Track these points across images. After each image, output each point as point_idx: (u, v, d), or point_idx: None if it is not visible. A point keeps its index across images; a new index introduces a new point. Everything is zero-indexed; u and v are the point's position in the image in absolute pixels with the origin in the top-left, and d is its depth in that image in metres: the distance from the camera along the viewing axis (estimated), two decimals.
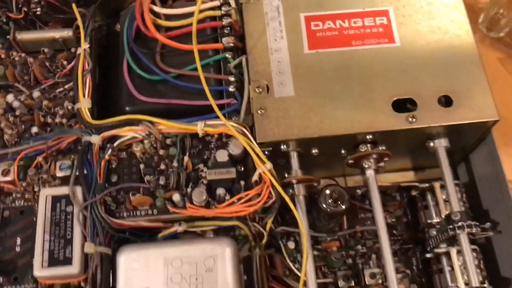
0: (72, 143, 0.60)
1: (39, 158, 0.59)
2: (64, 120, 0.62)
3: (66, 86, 0.64)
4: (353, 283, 0.62)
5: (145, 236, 0.58)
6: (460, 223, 0.55)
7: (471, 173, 0.67)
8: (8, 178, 0.58)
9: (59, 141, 0.59)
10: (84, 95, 0.61)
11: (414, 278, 0.63)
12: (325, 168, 0.66)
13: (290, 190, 0.58)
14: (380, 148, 0.58)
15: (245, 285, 0.62)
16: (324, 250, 0.65)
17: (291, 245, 0.63)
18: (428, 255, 0.61)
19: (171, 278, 0.53)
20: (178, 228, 0.57)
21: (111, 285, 0.53)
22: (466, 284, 0.56)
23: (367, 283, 0.62)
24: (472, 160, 0.66)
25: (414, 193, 0.65)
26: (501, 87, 0.90)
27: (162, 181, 0.55)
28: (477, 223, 0.56)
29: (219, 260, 0.54)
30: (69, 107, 0.62)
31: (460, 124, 0.57)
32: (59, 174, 0.58)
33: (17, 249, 0.57)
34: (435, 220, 0.62)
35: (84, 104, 0.60)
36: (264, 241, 0.60)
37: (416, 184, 0.64)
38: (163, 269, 0.53)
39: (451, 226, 0.55)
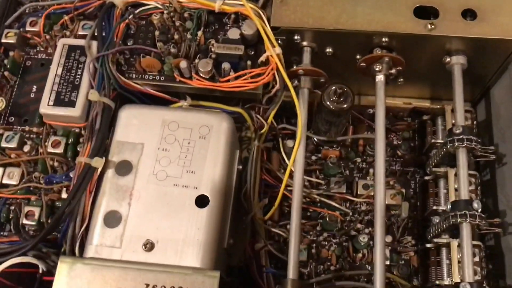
0: (99, 9, 0.62)
1: (66, 17, 0.62)
2: None
3: None
4: (344, 190, 0.62)
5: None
6: (460, 142, 0.53)
7: (489, 111, 0.65)
8: (35, 29, 0.62)
9: (86, 2, 0.62)
10: None
11: (408, 198, 0.62)
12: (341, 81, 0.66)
13: (296, 81, 0.58)
14: (394, 54, 0.57)
15: (239, 173, 0.64)
16: (323, 158, 0.65)
17: (290, 143, 0.64)
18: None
19: (165, 138, 0.55)
20: (183, 103, 0.59)
21: (108, 137, 0.55)
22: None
23: (359, 192, 0.62)
24: (492, 96, 0.64)
25: (425, 117, 0.64)
26: None
27: (173, 50, 0.57)
28: (479, 140, 0.54)
29: (214, 130, 0.55)
30: None
31: (480, 39, 0.55)
32: (81, 32, 0.61)
33: (32, 95, 0.60)
34: (440, 140, 0.60)
35: None
36: (263, 130, 0.61)
37: (427, 104, 0.62)
38: (159, 129, 0.55)
39: (451, 139, 0.54)
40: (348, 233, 0.61)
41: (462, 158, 0.54)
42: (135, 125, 0.55)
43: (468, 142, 0.53)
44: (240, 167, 0.63)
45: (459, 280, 0.52)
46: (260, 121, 0.62)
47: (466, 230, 0.51)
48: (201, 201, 0.52)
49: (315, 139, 0.65)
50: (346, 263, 0.60)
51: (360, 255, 0.60)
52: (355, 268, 0.59)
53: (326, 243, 0.61)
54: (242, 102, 0.61)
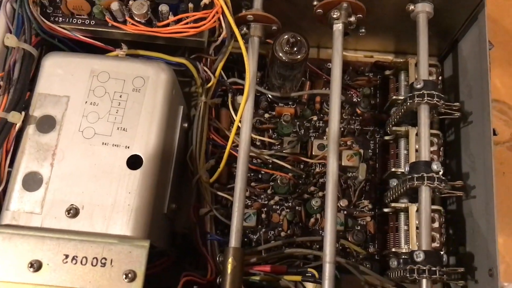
0: None
1: None
2: None
3: None
4: (298, 150, 0.57)
5: None
6: (420, 98, 0.48)
7: (456, 66, 0.60)
8: None
9: None
10: None
11: (367, 159, 0.58)
12: (298, 32, 0.60)
13: (245, 29, 0.52)
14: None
15: (185, 133, 0.58)
16: (277, 116, 0.60)
17: (240, 99, 0.58)
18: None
19: (94, 90, 0.48)
20: (119, 51, 0.52)
21: (28, 86, 0.48)
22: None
23: (313, 153, 0.57)
24: (460, 50, 0.59)
25: (388, 72, 0.59)
26: None
27: None
28: (443, 96, 0.49)
29: (150, 82, 0.49)
30: None
31: None
32: None
33: None
34: (401, 97, 0.55)
35: None
36: (210, 84, 0.55)
37: (390, 58, 0.57)
38: (87, 80, 0.48)
39: (411, 95, 0.49)
40: (301, 197, 0.57)
41: (424, 115, 0.49)
42: (60, 76, 0.48)
43: (429, 98, 0.48)
44: (186, 125, 0.58)
45: (416, 248, 0.48)
46: (207, 74, 0.56)
47: (424, 194, 0.47)
48: (134, 162, 0.46)
49: (269, 96, 0.60)
50: (299, 228, 0.56)
51: (313, 220, 0.55)
52: (307, 234, 0.55)
53: (277, 207, 0.57)
54: (188, 52, 0.55)
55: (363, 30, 0.56)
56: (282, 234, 0.55)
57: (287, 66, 0.52)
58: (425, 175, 0.46)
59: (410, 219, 0.51)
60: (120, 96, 0.48)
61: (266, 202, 0.57)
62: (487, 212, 0.47)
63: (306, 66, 0.60)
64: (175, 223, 0.56)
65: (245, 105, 0.50)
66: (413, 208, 0.51)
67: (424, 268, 0.44)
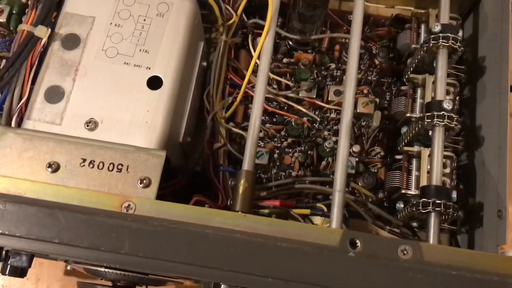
0: None
1: None
2: None
3: None
4: (314, 95, 0.58)
5: None
6: (435, 41, 0.48)
7: (476, 26, 0.60)
8: None
9: None
10: None
11: (382, 108, 0.58)
12: None
13: None
14: None
15: (204, 71, 0.59)
16: (296, 62, 0.60)
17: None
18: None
19: (119, 13, 0.49)
20: None
21: (56, 5, 0.49)
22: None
23: (329, 98, 0.57)
24: (481, 9, 0.59)
25: (408, 26, 0.59)
26: None
27: None
28: (460, 39, 0.49)
29: (174, 9, 0.50)
30: None
31: None
32: None
33: None
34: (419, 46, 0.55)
35: None
36: (230, 22, 0.56)
37: (411, 9, 0.58)
38: (113, 2, 0.50)
39: (430, 37, 0.49)
40: (314, 141, 0.57)
41: (442, 60, 0.49)
42: None
43: (444, 41, 0.48)
44: (205, 63, 0.59)
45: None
46: (229, 13, 0.56)
47: (437, 133, 0.47)
48: (154, 83, 0.47)
49: (289, 42, 0.60)
50: (310, 171, 0.56)
51: (324, 163, 0.56)
52: (318, 176, 0.55)
53: (290, 149, 0.57)
54: None
55: None
56: (293, 174, 0.56)
57: (309, 5, 0.53)
58: (435, 113, 0.46)
59: (422, 163, 0.51)
60: (144, 20, 0.49)
61: (279, 145, 0.57)
62: (499, 155, 0.48)
63: (327, 15, 0.60)
64: (188, 160, 0.57)
65: (265, 39, 0.50)
66: (425, 152, 0.51)
67: (433, 201, 0.44)
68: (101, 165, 0.41)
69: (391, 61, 0.60)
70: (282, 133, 0.57)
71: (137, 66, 0.48)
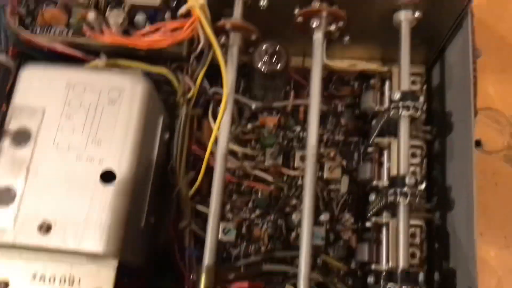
0: None
1: None
2: None
3: None
4: (280, 162, 0.56)
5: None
6: (395, 110, 0.47)
7: (442, 75, 0.59)
8: None
9: None
10: None
11: (350, 172, 0.57)
12: (282, 40, 0.59)
13: (224, 38, 0.51)
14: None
15: (167, 143, 0.57)
16: (260, 126, 0.59)
17: None
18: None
19: (69, 102, 0.48)
20: (98, 62, 0.51)
21: (4, 100, 0.48)
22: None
23: (296, 165, 0.56)
24: (446, 58, 0.58)
25: (373, 81, 0.58)
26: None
27: (82, 0, 0.49)
28: (420, 107, 0.48)
29: (126, 94, 0.48)
30: None
31: None
32: None
33: None
34: (385, 107, 0.54)
35: None
36: (190, 95, 0.54)
37: (375, 66, 0.56)
38: (63, 92, 0.48)
39: (389, 107, 0.48)
40: (282, 210, 0.56)
41: (403, 127, 0.48)
42: (36, 88, 0.48)
43: (404, 110, 0.47)
44: (167, 135, 0.57)
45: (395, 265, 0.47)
46: (189, 84, 0.55)
47: (402, 209, 0.46)
48: (107, 177, 0.46)
49: (253, 106, 0.59)
50: (280, 243, 0.55)
51: (294, 234, 0.55)
52: (288, 249, 0.54)
53: (259, 220, 0.56)
54: (170, 62, 0.55)
55: (347, 39, 0.55)
56: (263, 248, 0.54)
57: (266, 76, 0.52)
58: (398, 190, 0.45)
59: (391, 235, 0.50)
60: (96, 109, 0.48)
61: (247, 216, 0.56)
62: (467, 228, 0.46)
63: (290, 75, 0.59)
64: (158, 234, 0.56)
65: (223, 116, 0.49)
66: (393, 223, 0.50)
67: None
68: (52, 279, 0.40)
69: (357, 120, 0.58)
70: (250, 204, 0.56)
71: (89, 159, 0.46)
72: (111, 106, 0.48)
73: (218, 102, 0.58)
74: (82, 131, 0.47)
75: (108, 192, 0.45)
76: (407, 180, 0.45)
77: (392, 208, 0.50)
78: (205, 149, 0.56)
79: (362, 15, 0.53)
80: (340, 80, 0.61)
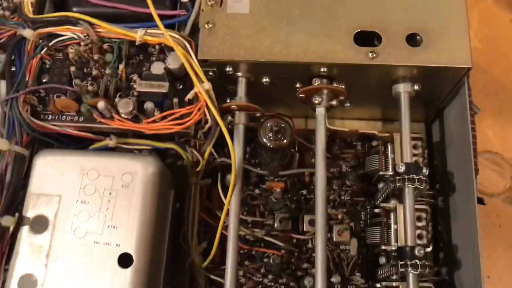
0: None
1: None
2: (7, 13, 0.58)
3: None
4: (290, 227, 0.58)
5: (75, 146, 0.55)
6: (403, 176, 0.49)
7: (442, 132, 0.61)
8: None
9: None
10: None
11: (358, 232, 0.59)
12: (283, 106, 0.61)
13: (230, 117, 0.53)
14: (335, 84, 0.52)
15: (178, 212, 0.59)
16: (267, 190, 0.61)
17: (230, 178, 0.59)
18: (376, 210, 0.57)
19: (84, 188, 0.50)
20: (109, 141, 0.53)
21: (21, 188, 0.50)
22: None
23: (305, 229, 0.57)
24: (445, 117, 0.60)
25: (375, 143, 0.60)
26: (509, 51, 0.82)
27: (91, 87, 0.51)
28: (425, 179, 0.50)
29: (138, 178, 0.50)
30: (15, 0, 0.58)
31: (426, 67, 0.50)
32: None
33: None
34: (389, 173, 0.56)
35: None
36: (199, 168, 0.56)
37: (375, 133, 0.58)
38: (77, 178, 0.50)
39: (394, 179, 0.50)
40: (294, 273, 0.57)
41: (409, 198, 0.50)
42: (51, 175, 0.50)
43: (410, 183, 0.49)
44: (178, 205, 0.59)
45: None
46: (196, 156, 0.57)
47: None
48: (125, 260, 0.47)
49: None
50: None
51: None
52: None
53: (272, 284, 0.57)
54: (178, 136, 0.56)
55: (347, 104, 0.57)
56: None
57: (273, 150, 0.53)
58: (408, 262, 0.47)
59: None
60: (110, 193, 0.49)
61: (260, 280, 0.57)
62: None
63: (294, 138, 0.61)
64: None
65: (232, 195, 0.51)
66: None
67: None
68: None
69: (362, 182, 0.60)
70: (262, 270, 0.57)
71: (106, 244, 0.48)
72: (125, 190, 0.49)
73: (226, 169, 0.60)
74: (98, 216, 0.49)
75: (127, 274, 0.47)
76: (416, 252, 0.47)
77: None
78: (215, 217, 0.58)
79: (361, 88, 0.55)
80: (342, 140, 0.62)
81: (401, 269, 0.47)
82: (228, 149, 0.60)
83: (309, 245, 0.58)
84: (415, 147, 0.56)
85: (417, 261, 0.47)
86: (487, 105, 0.78)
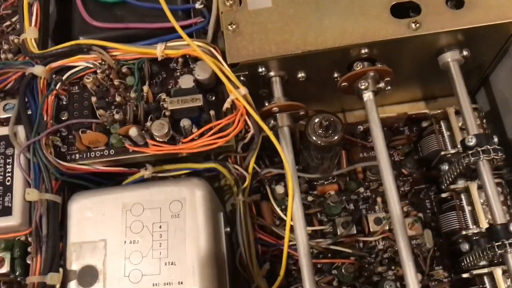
0: (20, 81, 0.51)
1: None
2: (10, 55, 0.53)
3: (13, 19, 0.56)
4: (354, 231, 0.53)
5: (108, 184, 0.50)
6: (476, 149, 0.44)
7: (492, 99, 0.57)
8: None
9: (2, 78, 0.51)
10: (30, 24, 0.52)
11: (428, 223, 0.53)
12: (319, 102, 0.56)
13: (272, 121, 0.49)
14: (378, 65, 0.48)
15: (229, 237, 0.54)
16: (320, 195, 0.56)
17: (280, 189, 0.54)
18: (443, 195, 0.52)
19: (130, 227, 0.44)
20: (145, 172, 0.48)
21: (59, 238, 0.45)
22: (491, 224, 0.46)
23: (371, 230, 0.52)
24: (493, 83, 0.56)
25: (425, 124, 0.55)
26: None
27: (118, 116, 0.46)
28: (499, 148, 0.45)
29: (188, 204, 0.45)
30: (15, 41, 0.53)
31: (474, 28, 0.46)
32: (3, 115, 0.50)
33: None
34: (451, 151, 0.51)
35: (30, 34, 0.51)
36: (246, 184, 0.51)
37: (427, 111, 0.54)
38: (121, 217, 0.45)
39: (465, 154, 0.45)
40: (369, 279, 0.52)
41: (485, 172, 0.45)
42: (90, 219, 0.45)
43: (485, 155, 0.44)
44: (228, 229, 0.53)
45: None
46: (239, 172, 0.52)
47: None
48: None
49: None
50: None
51: None
52: None
53: None
54: (215, 154, 0.52)
55: (388, 88, 0.52)
56: None
57: (324, 149, 0.49)
58: (505, 242, 0.42)
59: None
60: (160, 227, 0.44)
61: None
62: None
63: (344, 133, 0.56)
64: None
65: (293, 202, 0.46)
66: (497, 271, 0.46)
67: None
68: None
69: (421, 168, 0.55)
70: (334, 283, 0.52)
71: (167, 284, 0.42)
72: (176, 219, 0.44)
73: (272, 179, 0.56)
74: (152, 255, 0.43)
75: None
76: (511, 228, 0.42)
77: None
78: (269, 234, 0.53)
79: (404, 65, 0.50)
80: (389, 129, 0.58)
81: (499, 251, 0.42)
82: (268, 159, 0.56)
83: (380, 246, 0.53)
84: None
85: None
86: None
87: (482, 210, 0.48)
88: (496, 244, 0.42)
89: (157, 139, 0.46)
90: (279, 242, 0.52)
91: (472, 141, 0.45)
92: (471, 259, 0.47)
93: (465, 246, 0.49)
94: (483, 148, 0.44)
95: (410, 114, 0.55)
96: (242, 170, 0.51)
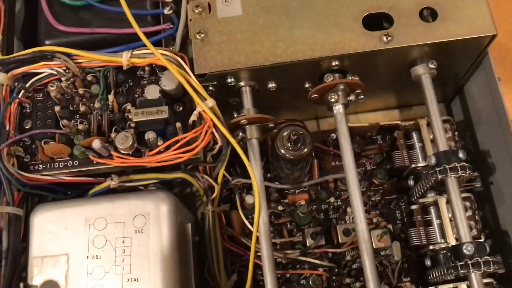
0: None
1: None
2: None
3: None
4: (323, 242, 0.52)
5: (73, 194, 0.49)
6: (444, 166, 0.44)
7: (466, 109, 0.56)
8: None
9: None
10: None
11: (398, 234, 0.53)
12: (292, 110, 0.56)
13: (241, 133, 0.48)
14: (349, 77, 0.47)
15: (198, 246, 0.53)
16: (291, 204, 0.55)
17: (250, 199, 0.53)
18: (413, 207, 0.52)
19: (93, 241, 0.44)
20: (111, 182, 0.47)
21: (22, 251, 0.44)
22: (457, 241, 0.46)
23: (340, 241, 0.52)
24: (467, 93, 0.56)
25: (397, 133, 0.55)
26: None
27: (82, 126, 0.45)
28: (468, 166, 0.45)
29: (152, 218, 0.44)
30: None
31: (447, 42, 0.45)
32: None
33: None
34: (421, 164, 0.51)
35: None
36: (214, 194, 0.50)
37: (398, 122, 0.53)
38: (83, 232, 0.44)
39: (433, 171, 0.45)
40: None
41: (453, 189, 0.45)
42: (52, 232, 0.44)
43: (453, 173, 0.44)
44: (197, 238, 0.53)
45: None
46: (209, 182, 0.51)
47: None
48: None
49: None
50: None
51: None
52: None
53: None
54: (184, 164, 0.51)
55: (362, 97, 0.52)
56: None
57: (293, 161, 0.48)
58: (468, 262, 0.42)
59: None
60: (123, 242, 0.43)
61: None
62: None
63: (314, 145, 0.55)
64: None
65: (259, 218, 0.45)
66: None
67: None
68: None
69: (392, 178, 0.55)
70: None
71: None
72: (139, 235, 0.44)
73: (243, 188, 0.55)
74: (115, 271, 0.43)
75: None
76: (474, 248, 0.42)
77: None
78: (239, 245, 0.53)
79: (376, 76, 0.50)
80: (361, 137, 0.57)
81: (462, 271, 0.42)
82: (240, 167, 0.56)
83: (348, 258, 0.52)
84: (445, 131, 0.51)
85: (478, 258, 0.42)
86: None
87: (450, 225, 0.48)
88: (459, 263, 0.42)
89: (122, 151, 0.45)
90: (247, 253, 0.52)
91: (432, 161, 0.45)
92: (438, 274, 0.47)
93: (428, 262, 0.49)
94: (450, 166, 0.44)
95: (382, 124, 0.54)
96: (211, 181, 0.51)
